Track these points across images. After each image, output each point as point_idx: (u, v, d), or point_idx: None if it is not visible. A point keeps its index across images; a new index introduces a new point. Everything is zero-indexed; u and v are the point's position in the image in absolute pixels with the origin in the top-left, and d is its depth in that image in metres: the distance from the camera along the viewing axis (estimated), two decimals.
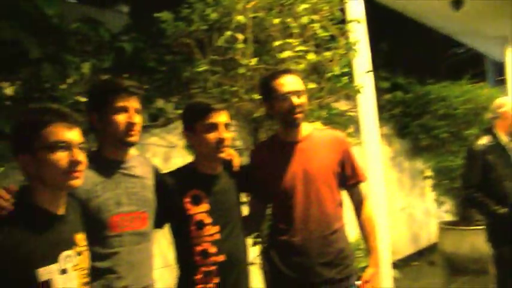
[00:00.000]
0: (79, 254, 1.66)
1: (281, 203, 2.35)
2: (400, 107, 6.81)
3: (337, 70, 2.92)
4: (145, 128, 3.91)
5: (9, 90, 3.09)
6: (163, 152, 4.02)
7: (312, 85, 2.89)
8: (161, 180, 2.20)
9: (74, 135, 1.65)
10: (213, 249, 2.13)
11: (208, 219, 2.15)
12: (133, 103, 2.00)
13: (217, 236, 2.14)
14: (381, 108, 6.42)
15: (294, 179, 2.30)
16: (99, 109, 1.99)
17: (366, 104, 3.77)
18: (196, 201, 2.16)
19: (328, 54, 2.95)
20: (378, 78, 6.31)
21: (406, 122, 6.88)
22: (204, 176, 2.23)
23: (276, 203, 2.40)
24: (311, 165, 2.32)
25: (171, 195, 2.17)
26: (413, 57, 6.35)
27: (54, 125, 1.61)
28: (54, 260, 1.56)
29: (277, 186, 2.33)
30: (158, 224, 2.18)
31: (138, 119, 2.00)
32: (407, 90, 6.89)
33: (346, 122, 3.71)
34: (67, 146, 1.62)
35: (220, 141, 2.16)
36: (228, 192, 2.26)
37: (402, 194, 7.10)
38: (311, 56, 2.84)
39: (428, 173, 6.95)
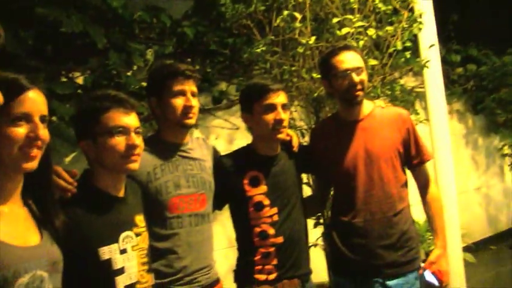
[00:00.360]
0: (138, 234, 1.71)
1: (342, 183, 2.30)
2: (473, 81, 6.45)
3: (399, 45, 2.81)
4: (209, 111, 3.98)
5: (79, 80, 3.24)
6: (227, 134, 4.07)
7: (373, 62, 2.81)
8: (220, 162, 2.23)
9: (130, 120, 1.70)
10: (271, 231, 2.13)
11: (266, 201, 2.14)
12: (190, 86, 2.03)
13: (276, 218, 2.13)
14: (453, 82, 6.15)
15: (355, 159, 2.24)
16: (157, 93, 2.04)
17: (433, 79, 3.60)
18: (255, 183, 2.16)
19: (390, 28, 2.84)
20: (448, 51, 6.04)
21: (481, 97, 6.50)
22: (263, 157, 2.22)
23: (338, 183, 2.34)
24: (373, 144, 2.25)
25: (230, 177, 2.19)
26: (489, 27, 5.96)
27: (112, 111, 1.67)
28: (114, 240, 1.62)
29: (338, 166, 2.28)
30: (217, 206, 2.22)
31: (195, 102, 2.03)
32: (482, 63, 6.50)
33: (412, 99, 3.59)
34: (124, 131, 1.67)
35: (277, 122, 2.14)
36: (287, 173, 2.23)
37: (477, 174, 6.75)
38: (372, 32, 2.75)
39: (507, 150, 6.58)
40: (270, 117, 2.14)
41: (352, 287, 2.26)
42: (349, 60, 2.22)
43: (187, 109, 2.01)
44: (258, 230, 2.14)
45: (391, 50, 2.86)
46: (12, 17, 2.67)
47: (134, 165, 1.69)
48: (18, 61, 2.71)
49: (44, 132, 1.28)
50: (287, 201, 2.20)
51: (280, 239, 2.14)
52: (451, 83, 6.08)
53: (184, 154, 2.08)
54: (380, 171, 2.24)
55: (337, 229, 2.33)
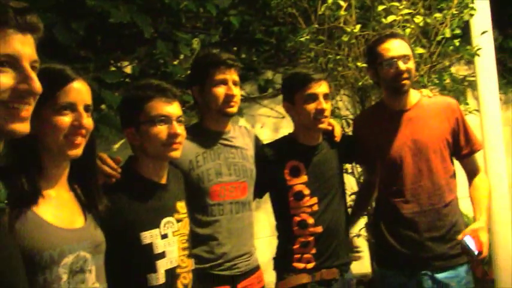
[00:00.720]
0: (179, 220, 1.77)
1: (389, 174, 2.27)
2: None
3: (448, 33, 2.73)
4: (255, 99, 4.02)
5: (127, 69, 3.34)
6: (273, 122, 4.09)
7: (420, 50, 2.75)
8: (262, 151, 2.26)
9: (173, 109, 1.75)
10: (310, 220, 2.14)
11: (306, 191, 2.16)
12: (232, 75, 2.07)
13: (316, 208, 2.15)
14: (510, 71, 5.90)
15: (402, 150, 2.22)
16: (199, 82, 2.09)
17: (485, 67, 3.48)
18: (295, 173, 2.18)
19: (439, 15, 2.77)
20: (506, 38, 5.79)
21: None
22: (304, 147, 2.23)
23: (384, 174, 2.30)
24: (421, 134, 2.22)
25: (271, 166, 2.22)
26: None
27: (154, 100, 1.73)
28: (156, 225, 1.68)
29: (384, 157, 2.26)
30: (258, 194, 2.25)
31: (236, 91, 2.07)
32: None
33: (464, 88, 3.50)
34: (166, 120, 1.73)
35: (319, 112, 2.14)
36: (328, 163, 2.24)
37: None
38: (419, 19, 2.69)
39: None
40: (311, 107, 2.14)
41: (400, 279, 2.24)
42: (395, 47, 2.18)
43: (228, 98, 2.04)
44: (297, 219, 2.16)
45: (439, 37, 2.79)
46: (64, 10, 2.78)
47: (176, 153, 1.75)
48: (70, 51, 2.82)
49: (87, 121, 1.34)
50: (327, 191, 2.21)
51: (319, 229, 2.16)
52: (508, 72, 5.84)
53: (226, 142, 2.13)
54: (428, 162, 2.20)
55: (384, 221, 2.31)
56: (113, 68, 3.24)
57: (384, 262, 2.38)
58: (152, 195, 1.74)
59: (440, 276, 2.17)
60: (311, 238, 2.15)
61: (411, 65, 2.20)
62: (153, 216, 1.69)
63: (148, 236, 1.66)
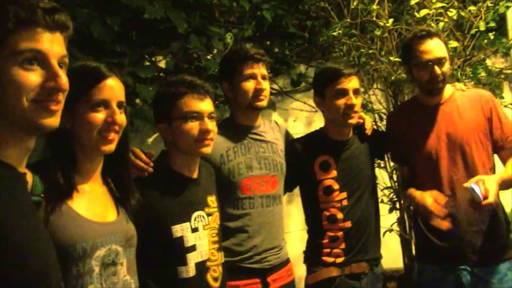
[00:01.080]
0: (210, 214, 1.80)
1: (425, 169, 2.24)
2: None
3: (482, 26, 2.67)
4: (288, 93, 4.01)
5: (161, 63, 3.39)
6: (305, 116, 4.08)
7: (454, 43, 2.69)
8: (292, 145, 2.27)
9: (205, 105, 1.78)
10: (340, 215, 2.15)
11: (336, 185, 2.16)
12: (260, 70, 2.08)
13: (345, 202, 2.16)
14: None
15: (437, 144, 2.18)
16: (229, 77, 2.11)
17: None
18: (325, 168, 2.18)
19: (473, 8, 2.71)
20: None
21: None
22: (334, 142, 2.23)
23: (420, 169, 2.27)
24: (456, 128, 2.18)
25: (301, 161, 2.23)
26: None
27: (187, 97, 1.76)
28: (186, 219, 1.71)
29: (419, 151, 2.23)
30: (288, 188, 2.27)
31: (266, 85, 2.09)
32: None
33: (500, 81, 3.41)
34: (198, 116, 1.75)
35: (348, 107, 2.14)
36: (358, 157, 2.24)
37: None
38: (453, 13, 2.63)
39: None
40: (341, 102, 2.14)
41: (438, 274, 2.21)
42: (432, 50, 2.13)
43: (258, 92, 2.06)
44: (327, 213, 2.17)
45: (473, 31, 2.72)
46: (100, 6, 2.83)
47: (207, 149, 1.78)
48: (105, 47, 2.87)
49: (120, 117, 1.37)
50: (357, 186, 2.20)
51: (348, 224, 2.16)
52: None
53: (257, 137, 2.14)
54: (464, 155, 2.16)
55: (422, 215, 2.25)
56: (148, 63, 3.28)
57: (422, 256, 2.36)
58: (183, 189, 1.77)
59: (479, 271, 2.13)
60: (340, 233, 2.15)
61: (446, 68, 2.16)
62: (184, 210, 1.72)
63: (179, 230, 1.69)
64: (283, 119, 4.02)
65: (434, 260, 2.22)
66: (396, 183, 3.16)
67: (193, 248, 1.70)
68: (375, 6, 2.78)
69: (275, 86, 3.88)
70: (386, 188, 3.20)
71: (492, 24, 2.73)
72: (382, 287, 2.30)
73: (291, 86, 4.10)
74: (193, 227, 1.72)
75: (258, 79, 2.06)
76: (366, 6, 2.85)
